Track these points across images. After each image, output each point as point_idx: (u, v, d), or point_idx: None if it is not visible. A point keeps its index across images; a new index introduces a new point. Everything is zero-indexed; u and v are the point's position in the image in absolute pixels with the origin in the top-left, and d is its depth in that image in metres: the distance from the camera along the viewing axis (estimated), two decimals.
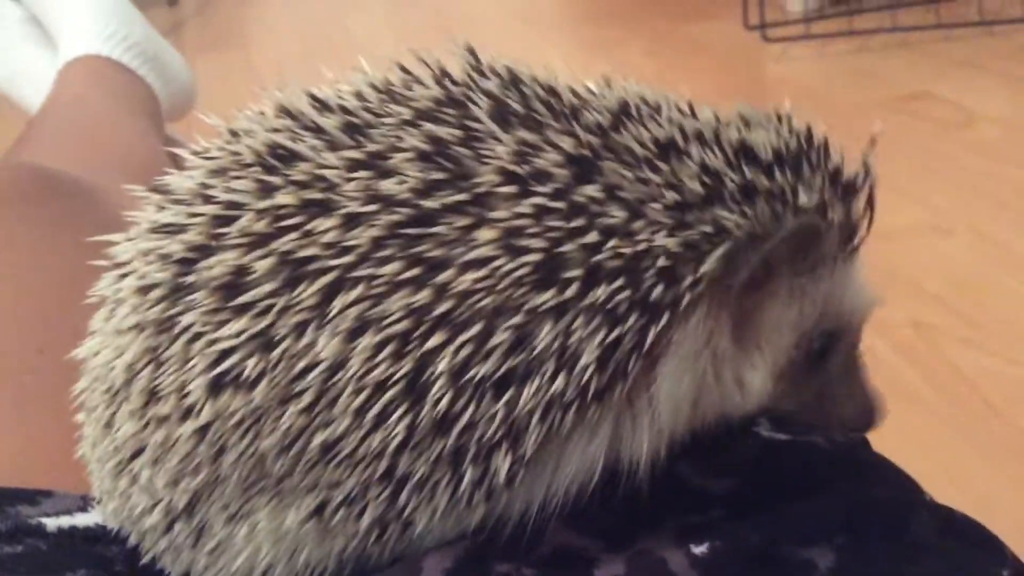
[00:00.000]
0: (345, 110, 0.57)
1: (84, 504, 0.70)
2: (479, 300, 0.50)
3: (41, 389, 0.85)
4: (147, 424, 0.56)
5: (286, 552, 0.58)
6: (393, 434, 0.51)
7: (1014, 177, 2.11)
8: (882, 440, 0.78)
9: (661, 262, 0.50)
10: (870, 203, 0.58)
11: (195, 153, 0.60)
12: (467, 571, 0.56)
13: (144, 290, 0.56)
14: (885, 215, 2.02)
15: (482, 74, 0.58)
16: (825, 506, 0.60)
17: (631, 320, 0.51)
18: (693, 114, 0.56)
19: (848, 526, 0.58)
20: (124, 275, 0.59)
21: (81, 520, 0.69)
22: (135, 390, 0.56)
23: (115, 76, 1.70)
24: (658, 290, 0.50)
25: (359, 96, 0.58)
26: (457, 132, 0.53)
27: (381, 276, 0.51)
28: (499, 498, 0.55)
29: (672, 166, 0.52)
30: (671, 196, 0.51)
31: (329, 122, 0.55)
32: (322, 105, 0.58)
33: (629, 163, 0.52)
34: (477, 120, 0.54)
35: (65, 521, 0.68)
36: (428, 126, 0.54)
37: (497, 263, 0.50)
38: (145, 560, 0.64)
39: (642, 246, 0.50)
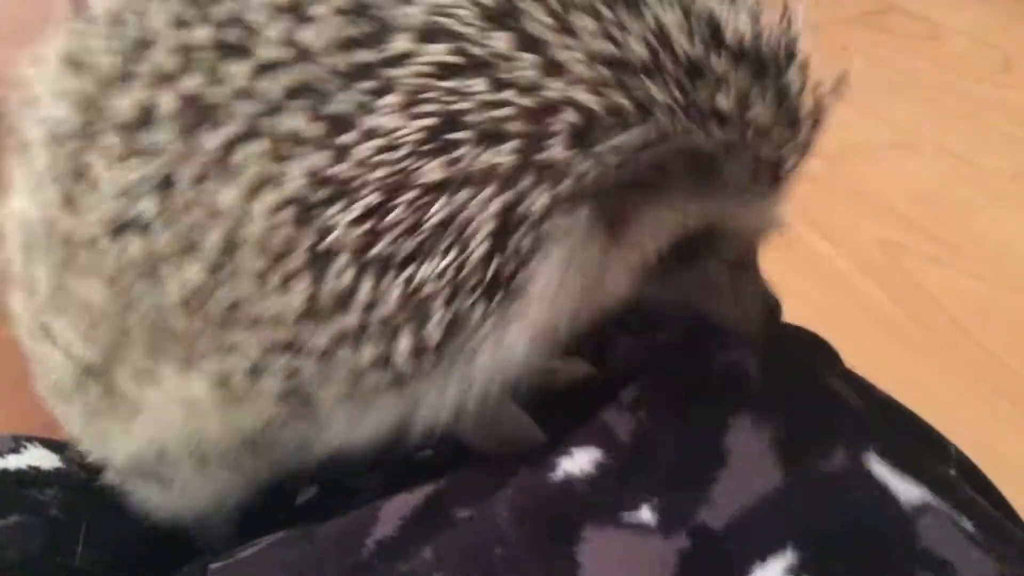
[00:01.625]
0: None
1: (16, 445, 0.67)
2: (378, 170, 0.47)
3: None
4: (63, 277, 0.55)
5: (195, 422, 0.56)
6: (293, 302, 0.49)
7: (981, 92, 2.09)
8: (848, 359, 0.76)
9: (564, 119, 0.46)
10: (804, 149, 0.52)
11: None
12: (427, 517, 0.54)
13: (55, 132, 0.54)
14: (850, 133, 2.02)
15: None
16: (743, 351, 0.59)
17: (525, 183, 0.47)
18: None
19: (766, 362, 0.57)
20: (36, 119, 0.56)
21: (13, 462, 0.65)
22: (53, 240, 0.55)
23: None
24: (556, 151, 0.46)
25: None
26: None
27: (285, 130, 0.48)
28: (405, 390, 0.52)
29: (616, 15, 0.47)
30: (601, 49, 0.46)
31: None
32: None
33: (561, 8, 0.47)
34: None
35: None
36: None
37: (396, 130, 0.47)
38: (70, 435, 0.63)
39: (542, 99, 0.46)
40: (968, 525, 0.48)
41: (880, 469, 0.50)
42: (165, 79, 0.50)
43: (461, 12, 0.48)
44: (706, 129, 0.47)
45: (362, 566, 0.52)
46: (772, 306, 0.57)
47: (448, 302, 0.49)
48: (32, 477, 0.65)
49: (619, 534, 0.49)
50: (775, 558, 0.46)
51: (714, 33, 0.47)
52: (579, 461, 0.52)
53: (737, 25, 0.48)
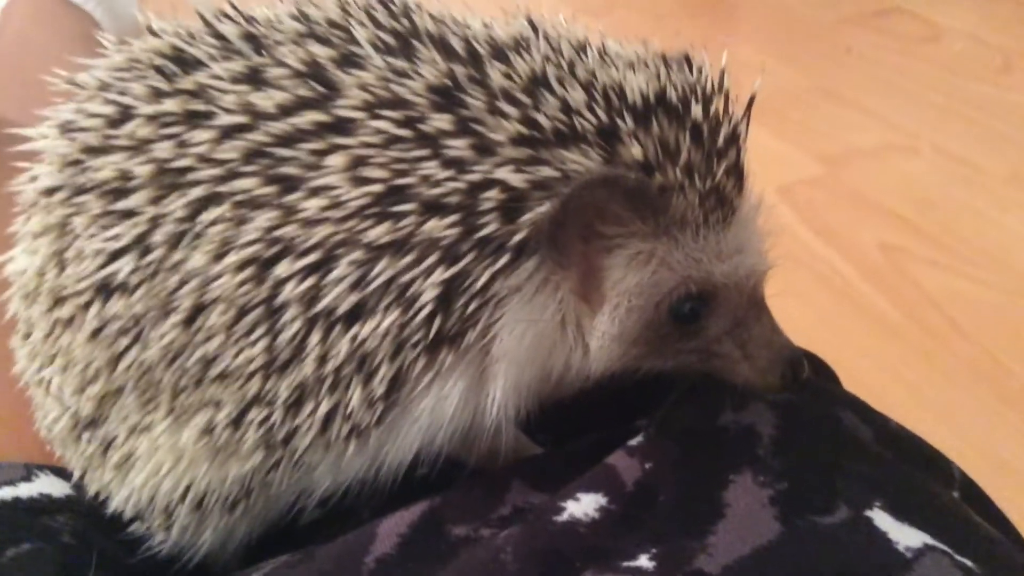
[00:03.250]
0: (250, 20, 0.57)
1: (28, 474, 0.68)
2: (322, 229, 0.51)
3: None
4: (53, 328, 0.59)
5: (187, 471, 0.59)
6: (256, 355, 0.53)
7: (981, 94, 2.09)
8: (847, 363, 0.77)
9: (496, 196, 0.50)
10: (738, 172, 0.55)
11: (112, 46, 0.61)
12: (423, 534, 0.56)
13: (48, 192, 0.58)
14: (850, 135, 2.02)
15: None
16: (758, 405, 0.60)
17: (467, 258, 0.50)
18: (588, 52, 0.55)
19: (782, 416, 0.59)
20: (33, 178, 0.60)
21: (25, 491, 0.67)
22: (43, 292, 0.58)
23: (60, 12, 1.63)
24: (492, 227, 0.50)
25: (267, 17, 0.58)
26: (334, 54, 0.53)
27: (242, 193, 0.52)
28: (369, 437, 0.56)
29: (534, 100, 0.51)
30: (523, 131, 0.50)
31: (230, 30, 0.56)
32: (230, 16, 0.58)
33: (491, 96, 0.51)
34: (359, 44, 0.54)
35: (8, 492, 0.66)
36: (314, 46, 0.54)
37: (340, 191, 0.51)
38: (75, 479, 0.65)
39: (477, 178, 0.50)
40: (968, 562, 0.49)
41: (883, 519, 0.51)
42: (140, 148, 0.54)
43: (409, 83, 0.52)
44: (636, 177, 0.51)
45: None
46: (793, 360, 0.57)
47: (392, 357, 0.53)
48: (44, 504, 0.67)
49: None
50: None
51: (619, 98, 0.52)
52: (584, 505, 0.54)
53: (636, 86, 0.52)
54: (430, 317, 0.51)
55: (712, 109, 0.54)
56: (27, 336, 0.62)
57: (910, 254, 1.62)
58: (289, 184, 0.52)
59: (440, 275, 0.50)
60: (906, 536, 0.50)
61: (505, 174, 0.50)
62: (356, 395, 0.53)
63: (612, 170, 0.50)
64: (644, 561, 0.50)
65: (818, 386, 0.67)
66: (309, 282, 0.51)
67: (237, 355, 0.53)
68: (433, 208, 0.50)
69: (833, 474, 0.55)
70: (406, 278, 0.51)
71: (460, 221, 0.50)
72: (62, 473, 0.69)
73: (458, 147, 0.50)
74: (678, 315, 0.56)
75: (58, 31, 1.60)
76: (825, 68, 2.27)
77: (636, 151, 0.51)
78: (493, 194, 0.50)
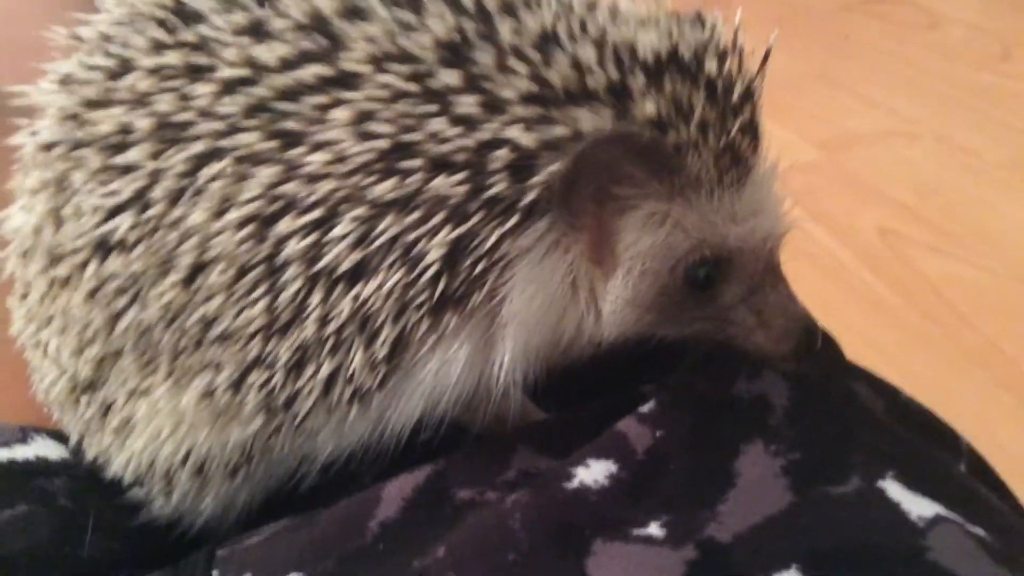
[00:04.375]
0: None
1: (24, 436, 0.67)
2: (324, 185, 0.50)
3: None
4: (51, 287, 0.57)
5: (187, 436, 0.57)
6: (256, 315, 0.52)
7: (980, 80, 2.09)
8: (848, 348, 0.77)
9: (505, 156, 0.49)
10: (753, 129, 0.53)
11: None
12: (428, 498, 0.55)
13: (47, 147, 0.56)
14: (849, 121, 2.01)
15: None
16: (770, 373, 0.59)
17: (475, 218, 0.49)
18: (598, 9, 0.53)
19: (796, 384, 0.58)
20: (33, 132, 0.58)
21: (20, 453, 0.65)
22: (39, 250, 0.57)
23: None
24: (501, 186, 0.49)
25: None
26: (338, 6, 0.52)
27: (243, 148, 0.50)
28: (371, 402, 0.54)
29: (544, 57, 0.50)
30: (533, 89, 0.49)
31: None
32: None
33: (501, 52, 0.50)
34: None
35: (3, 454, 0.64)
36: None
37: (344, 146, 0.49)
38: (72, 442, 0.65)
39: (486, 136, 0.49)
40: (980, 531, 0.48)
41: (895, 489, 0.50)
42: (141, 101, 0.53)
43: (416, 37, 0.50)
44: (650, 135, 0.49)
45: (367, 551, 0.53)
46: (809, 329, 0.56)
47: (395, 319, 0.51)
48: (40, 467, 0.65)
49: (628, 548, 0.49)
50: (779, 574, 0.47)
51: (630, 56, 0.50)
52: (594, 472, 0.53)
53: (647, 43, 0.50)
54: (435, 278, 0.50)
55: (726, 66, 0.52)
56: (24, 296, 0.61)
57: (909, 239, 1.62)
58: (291, 139, 0.50)
59: (446, 235, 0.49)
60: (919, 506, 0.49)
61: (515, 133, 0.48)
62: (358, 357, 0.52)
63: (625, 127, 0.49)
64: (654, 529, 0.49)
65: (832, 358, 0.66)
66: (311, 239, 0.50)
67: (237, 315, 0.52)
68: (440, 165, 0.49)
69: (846, 445, 0.54)
70: (411, 237, 0.49)
71: (468, 179, 0.49)
72: (59, 436, 0.68)
73: (467, 104, 0.49)
74: (693, 281, 0.54)
75: (51, 9, 1.59)
76: (824, 55, 2.26)
77: (649, 108, 0.49)
78: (502, 153, 0.49)
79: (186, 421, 0.57)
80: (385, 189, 0.49)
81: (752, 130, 0.53)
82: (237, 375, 0.54)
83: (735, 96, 0.52)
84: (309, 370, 0.53)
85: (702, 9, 0.55)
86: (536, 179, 0.49)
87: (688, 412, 0.56)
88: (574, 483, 0.52)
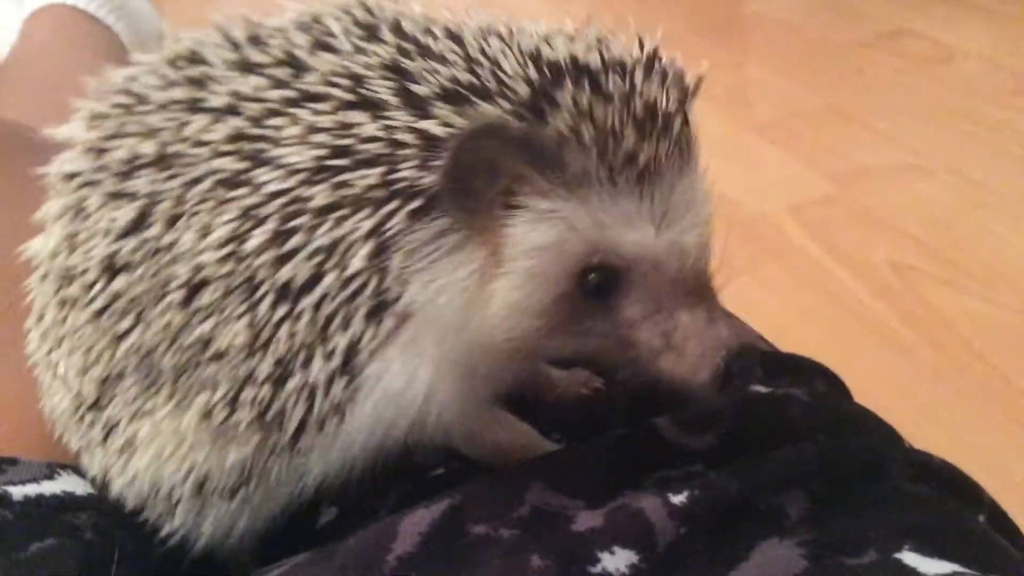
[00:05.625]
0: (258, 25, 0.60)
1: (50, 472, 0.69)
2: (280, 199, 0.52)
3: (4, 353, 0.83)
4: (61, 308, 0.60)
5: (188, 456, 0.60)
6: (240, 332, 0.54)
7: (993, 115, 2.10)
8: (860, 382, 0.78)
9: (414, 142, 0.51)
10: (668, 135, 0.52)
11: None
12: (444, 533, 0.56)
13: (68, 177, 0.60)
14: (862, 155, 2.02)
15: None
16: (800, 453, 0.59)
17: (388, 206, 0.51)
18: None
19: (823, 473, 0.57)
20: (60, 161, 0.62)
21: (48, 488, 0.67)
22: (53, 273, 0.60)
23: (80, 25, 1.65)
24: (408, 172, 0.51)
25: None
26: (310, 41, 0.56)
27: (221, 172, 0.54)
28: (345, 415, 0.56)
29: (469, 65, 0.52)
30: (447, 87, 0.52)
31: (238, 33, 0.59)
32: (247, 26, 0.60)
33: (432, 61, 0.53)
34: (333, 35, 0.56)
35: (31, 489, 0.66)
36: (296, 36, 0.57)
37: (293, 160, 0.52)
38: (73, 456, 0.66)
39: (399, 126, 0.51)
40: None
41: (912, 558, 0.50)
42: (150, 132, 0.57)
43: (362, 60, 0.54)
44: (533, 124, 0.50)
45: None
46: (733, 353, 0.53)
47: (344, 327, 0.54)
48: (66, 502, 0.67)
49: None
50: None
51: (534, 56, 0.52)
52: (618, 561, 0.53)
53: (560, 50, 0.52)
54: (363, 276, 0.52)
55: (635, 75, 0.52)
56: (40, 319, 0.63)
57: (921, 273, 1.62)
58: (259, 160, 0.53)
59: (366, 228, 0.51)
60: (935, 567, 0.49)
61: (424, 124, 0.51)
62: (320, 368, 0.54)
63: (495, 120, 0.50)
64: None
65: (866, 427, 0.66)
66: (270, 253, 0.53)
67: (227, 334, 0.55)
68: (363, 163, 0.51)
69: (864, 524, 0.54)
70: (340, 236, 0.52)
71: (383, 172, 0.51)
72: (84, 473, 0.70)
73: (392, 106, 0.52)
74: (586, 289, 0.53)
75: (81, 44, 1.62)
76: (837, 88, 2.28)
77: (542, 101, 0.50)
78: (411, 139, 0.51)
79: (187, 441, 0.59)
80: (321, 193, 0.52)
81: (666, 136, 0.52)
82: (232, 393, 0.56)
83: (641, 98, 0.52)
84: (290, 384, 0.55)
85: (642, 35, 0.56)
86: (437, 163, 0.50)
87: (714, 515, 0.55)
88: (598, 568, 0.53)
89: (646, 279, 0.53)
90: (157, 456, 0.60)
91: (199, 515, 0.63)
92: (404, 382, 0.56)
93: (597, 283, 0.53)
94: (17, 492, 0.66)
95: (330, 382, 0.55)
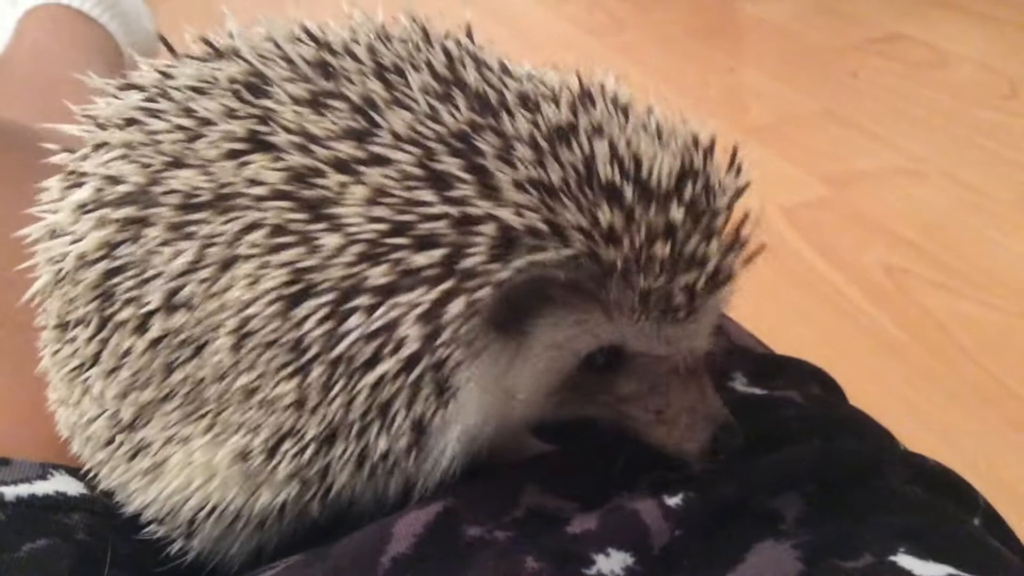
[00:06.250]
0: (325, 46, 0.58)
1: (43, 472, 0.69)
2: (336, 270, 0.51)
3: (1, 353, 0.83)
4: (102, 327, 0.58)
5: (216, 491, 0.59)
6: (289, 391, 0.54)
7: (987, 119, 2.10)
8: (853, 384, 0.78)
9: (489, 232, 0.50)
10: (715, 276, 0.53)
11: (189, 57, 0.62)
12: (438, 535, 0.56)
13: (112, 180, 0.58)
14: (856, 158, 2.03)
15: (429, 43, 0.59)
16: (796, 455, 0.60)
17: (447, 284, 0.50)
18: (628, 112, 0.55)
19: (818, 475, 0.58)
20: (97, 148, 0.60)
21: (40, 488, 0.67)
22: (87, 283, 0.58)
23: (75, 25, 1.66)
24: (478, 259, 0.50)
25: (348, 38, 0.59)
26: (387, 96, 0.54)
27: (276, 216, 0.52)
28: (403, 470, 0.57)
29: (553, 149, 0.51)
30: (531, 176, 0.50)
31: (304, 53, 0.57)
32: (308, 36, 0.59)
33: (506, 142, 0.51)
34: (411, 88, 0.55)
35: (24, 490, 0.66)
36: (374, 83, 0.55)
37: (356, 228, 0.51)
38: (90, 474, 0.66)
39: (474, 212, 0.50)
40: None
41: (907, 560, 0.51)
42: (208, 167, 0.55)
43: (432, 127, 0.53)
44: (598, 249, 0.50)
45: None
46: (723, 428, 0.56)
47: (409, 404, 0.53)
48: (59, 503, 0.67)
49: None
50: None
51: (635, 167, 0.51)
52: (613, 562, 0.53)
53: (658, 163, 0.51)
54: (417, 358, 0.52)
55: (710, 226, 0.53)
56: (63, 328, 0.62)
57: (915, 276, 1.63)
58: (315, 211, 0.52)
59: (424, 307, 0.51)
60: (930, 570, 0.50)
61: (501, 212, 0.50)
62: (382, 442, 0.54)
63: (546, 272, 0.50)
64: None
65: (861, 429, 0.66)
66: (327, 326, 0.52)
67: (274, 387, 0.54)
68: (426, 243, 0.50)
69: (860, 526, 0.54)
70: (400, 318, 0.51)
71: (448, 255, 0.50)
72: (77, 472, 0.69)
73: (462, 186, 0.51)
74: (591, 364, 0.55)
75: (74, 42, 1.62)
76: (831, 92, 2.28)
77: (617, 222, 0.50)
78: (483, 229, 0.50)
79: (218, 477, 0.58)
80: (380, 274, 0.51)
81: (714, 276, 0.53)
82: (273, 442, 0.56)
83: (697, 255, 0.52)
84: (339, 447, 0.55)
85: (736, 145, 0.55)
86: (513, 262, 0.50)
87: (710, 517, 0.56)
88: (592, 570, 0.53)
89: (647, 366, 0.56)
90: (184, 486, 0.60)
91: (222, 541, 0.63)
92: (450, 452, 0.56)
93: (604, 361, 0.55)
94: (9, 492, 0.66)
95: (392, 451, 0.55)
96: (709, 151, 0.55)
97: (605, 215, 0.50)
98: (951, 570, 0.50)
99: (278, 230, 0.52)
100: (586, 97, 0.55)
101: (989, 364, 1.42)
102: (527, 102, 0.54)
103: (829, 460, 0.59)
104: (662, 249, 0.51)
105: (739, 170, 0.55)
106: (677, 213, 0.51)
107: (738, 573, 0.51)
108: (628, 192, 0.50)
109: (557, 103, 0.54)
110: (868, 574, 0.50)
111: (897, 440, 0.67)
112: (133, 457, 0.61)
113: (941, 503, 0.59)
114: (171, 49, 0.64)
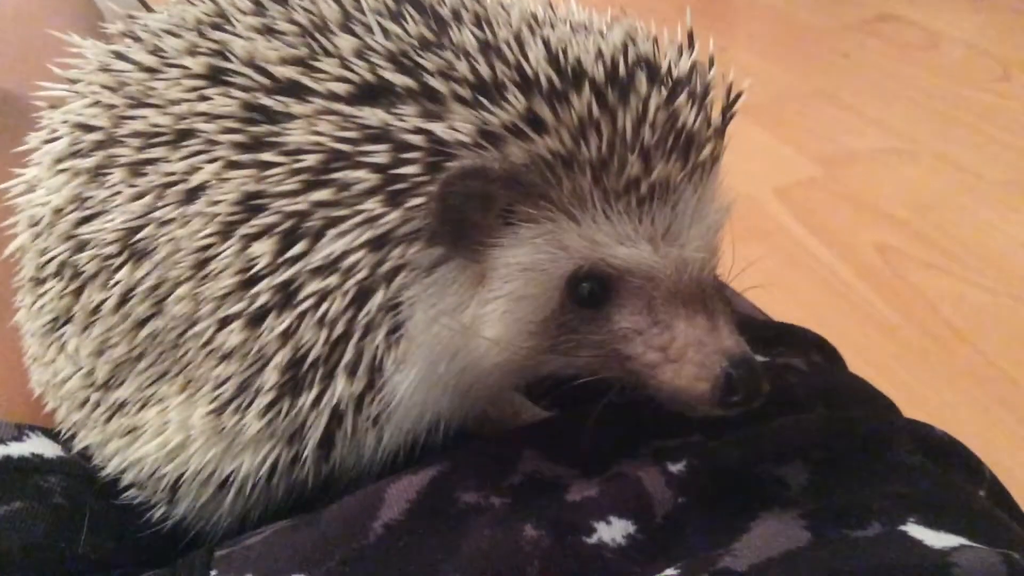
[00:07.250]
0: None
1: (19, 433, 0.66)
2: (283, 193, 0.51)
3: None
4: (72, 279, 0.58)
5: (196, 456, 0.57)
6: (246, 336, 0.53)
7: (979, 100, 2.10)
8: (846, 363, 0.77)
9: (421, 144, 0.49)
10: (686, 150, 0.51)
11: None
12: (432, 501, 0.54)
13: (83, 128, 0.57)
14: (849, 138, 2.02)
15: None
16: (802, 423, 0.58)
17: (391, 214, 0.50)
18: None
19: (825, 443, 0.56)
20: (72, 99, 0.60)
21: (16, 450, 0.65)
22: (57, 234, 0.58)
23: None
24: (412, 168, 0.49)
25: None
26: (340, 17, 0.54)
27: (228, 145, 0.52)
28: (371, 417, 0.55)
29: (486, 59, 0.50)
30: (472, 92, 0.49)
31: None
32: None
33: (449, 57, 0.51)
34: (363, 12, 0.54)
35: None
36: (326, 7, 0.54)
37: (300, 153, 0.50)
38: (64, 433, 0.65)
39: (408, 126, 0.49)
40: (1003, 553, 0.48)
41: (917, 530, 0.50)
42: (168, 104, 0.55)
43: (382, 44, 0.52)
44: (529, 140, 0.48)
45: (370, 552, 0.52)
46: (740, 366, 0.50)
47: (363, 345, 0.52)
48: (35, 465, 0.65)
49: None
50: None
51: (554, 58, 0.49)
52: (614, 531, 0.52)
53: (579, 51, 0.50)
54: (365, 290, 0.51)
55: (664, 88, 0.51)
56: (38, 282, 0.61)
57: (907, 256, 1.62)
58: (263, 142, 0.52)
59: (367, 236, 0.50)
60: (942, 540, 0.48)
61: (435, 126, 0.49)
62: (342, 386, 0.53)
63: (476, 164, 0.48)
64: (670, 571, 0.49)
65: (864, 396, 0.65)
66: (278, 256, 0.51)
67: (231, 333, 0.53)
68: (364, 164, 0.50)
69: (867, 495, 0.53)
70: (345, 248, 0.50)
71: (384, 172, 0.49)
72: (54, 434, 0.68)
73: (404, 104, 0.50)
74: (578, 298, 0.51)
75: (57, 8, 1.60)
76: (824, 72, 2.28)
77: (544, 110, 0.48)
78: (420, 142, 0.49)
79: (195, 438, 0.57)
80: (325, 196, 0.50)
81: (685, 156, 0.51)
82: (240, 394, 0.55)
83: (651, 136, 0.50)
84: (304, 395, 0.54)
85: (695, 36, 0.54)
86: (445, 171, 0.49)
87: (713, 483, 0.53)
88: (593, 539, 0.52)
89: (641, 291, 0.52)
90: (162, 446, 0.58)
91: (206, 507, 0.61)
92: (404, 400, 0.55)
93: (589, 291, 0.51)
94: None
95: (360, 401, 0.54)
96: (652, 39, 0.54)
97: (540, 109, 0.48)
98: (962, 540, 0.49)
99: (229, 164, 0.52)
100: (538, 16, 0.54)
101: (980, 344, 1.42)
102: (479, 20, 0.53)
103: (835, 428, 0.58)
104: (607, 128, 0.49)
105: (692, 48, 0.54)
106: (612, 93, 0.49)
107: (744, 543, 0.49)
108: (557, 81, 0.49)
109: (510, 23, 0.53)
110: (878, 543, 0.49)
111: (899, 410, 0.66)
112: (110, 419, 0.60)
113: (949, 473, 0.58)
114: (148, 8, 0.63)
